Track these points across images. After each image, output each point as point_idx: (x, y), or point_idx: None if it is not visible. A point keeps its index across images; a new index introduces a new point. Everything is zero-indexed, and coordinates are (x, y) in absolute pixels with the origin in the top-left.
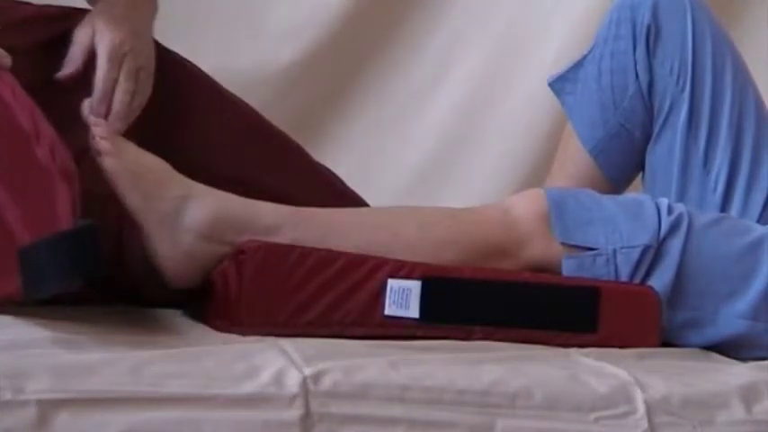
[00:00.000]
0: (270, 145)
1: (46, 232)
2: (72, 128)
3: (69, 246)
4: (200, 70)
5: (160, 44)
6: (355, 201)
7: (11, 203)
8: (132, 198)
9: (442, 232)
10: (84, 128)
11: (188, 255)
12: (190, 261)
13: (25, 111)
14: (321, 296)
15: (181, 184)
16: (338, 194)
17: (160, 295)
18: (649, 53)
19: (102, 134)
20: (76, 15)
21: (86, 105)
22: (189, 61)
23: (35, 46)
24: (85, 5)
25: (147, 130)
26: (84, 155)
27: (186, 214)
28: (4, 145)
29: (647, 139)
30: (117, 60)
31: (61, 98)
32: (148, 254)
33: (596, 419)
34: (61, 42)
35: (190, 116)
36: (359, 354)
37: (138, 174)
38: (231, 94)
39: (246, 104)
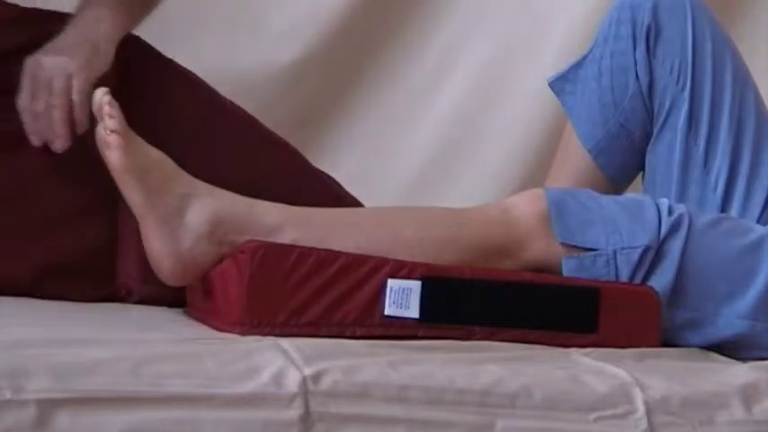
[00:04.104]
0: (267, 150)
1: None
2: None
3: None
4: (195, 76)
5: (155, 50)
6: (353, 205)
7: None
8: (135, 193)
9: (442, 232)
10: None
11: (188, 254)
12: (189, 260)
13: None
14: (321, 296)
15: (185, 182)
16: (336, 199)
17: (159, 294)
18: (649, 53)
19: (113, 127)
20: (59, 18)
21: (98, 96)
22: (185, 68)
23: (15, 47)
24: (69, 9)
25: (144, 137)
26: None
27: (188, 213)
28: None
29: (647, 138)
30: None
31: None
32: (147, 252)
33: (596, 419)
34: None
35: (186, 122)
36: (359, 354)
37: (145, 169)
38: (227, 100)
39: (242, 110)
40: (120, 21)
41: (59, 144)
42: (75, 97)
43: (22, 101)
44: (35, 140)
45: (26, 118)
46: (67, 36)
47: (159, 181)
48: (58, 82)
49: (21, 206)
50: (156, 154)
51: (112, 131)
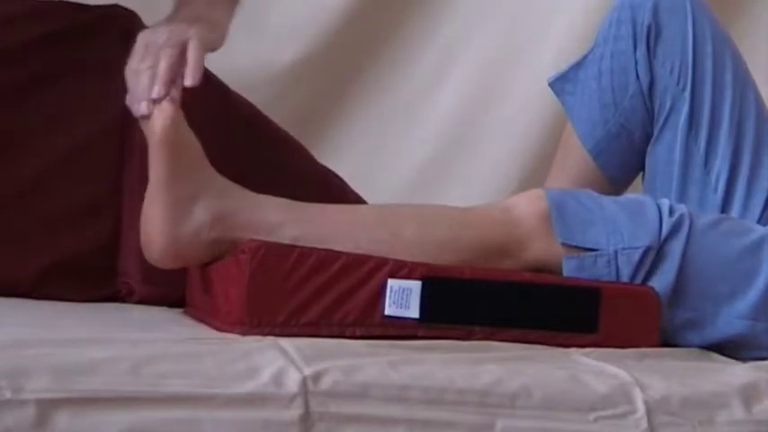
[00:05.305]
0: (272, 145)
1: None
2: (59, 125)
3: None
4: (205, 69)
5: None
6: (356, 201)
7: None
8: (162, 166)
9: (442, 232)
10: (74, 123)
11: (186, 242)
12: (188, 248)
13: None
14: (321, 296)
15: (207, 173)
16: (339, 195)
17: (159, 294)
18: (650, 53)
19: (175, 96)
20: (70, 8)
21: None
22: None
23: (22, 44)
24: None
25: None
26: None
27: (198, 204)
28: None
29: (647, 139)
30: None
31: (46, 96)
32: (142, 227)
33: (596, 419)
34: (46, 40)
35: (192, 114)
36: (359, 354)
37: (180, 146)
38: (233, 93)
39: (249, 103)
40: (227, 6)
41: (156, 91)
42: (190, 55)
43: (130, 63)
44: (134, 108)
45: (130, 81)
46: (181, 14)
47: (187, 163)
48: (173, 40)
49: (21, 206)
50: (193, 139)
51: (171, 99)
